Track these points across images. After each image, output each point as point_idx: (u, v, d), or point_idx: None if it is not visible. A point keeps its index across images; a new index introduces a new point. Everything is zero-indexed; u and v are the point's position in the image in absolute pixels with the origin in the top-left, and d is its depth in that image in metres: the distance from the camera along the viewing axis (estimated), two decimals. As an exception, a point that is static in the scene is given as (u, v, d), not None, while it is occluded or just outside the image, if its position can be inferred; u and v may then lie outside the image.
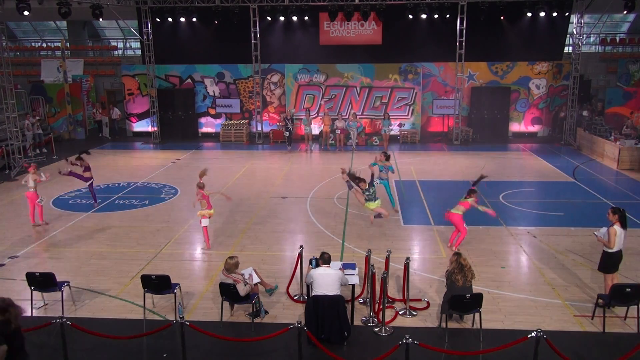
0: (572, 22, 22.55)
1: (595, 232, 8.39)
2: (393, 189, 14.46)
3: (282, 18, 22.42)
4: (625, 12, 20.01)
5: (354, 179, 10.98)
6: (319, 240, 11.18)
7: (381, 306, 7.76)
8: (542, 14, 21.67)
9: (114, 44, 29.97)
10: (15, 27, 30.91)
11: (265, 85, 24.16)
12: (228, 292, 7.81)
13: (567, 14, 22.30)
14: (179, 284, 8.31)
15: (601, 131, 19.97)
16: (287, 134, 21.39)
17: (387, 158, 13.19)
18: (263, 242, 11.29)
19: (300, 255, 8.67)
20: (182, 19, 22.68)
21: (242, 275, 7.98)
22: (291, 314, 8.20)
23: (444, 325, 7.62)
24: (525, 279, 9.40)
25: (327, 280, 7.34)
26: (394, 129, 22.41)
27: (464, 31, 21.61)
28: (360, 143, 22.00)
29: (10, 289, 9.12)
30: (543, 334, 6.08)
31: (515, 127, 23.86)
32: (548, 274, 9.53)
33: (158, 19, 23.04)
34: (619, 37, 27.78)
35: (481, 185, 15.54)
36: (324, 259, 7.62)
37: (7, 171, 17.54)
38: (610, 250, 8.13)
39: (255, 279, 8.18)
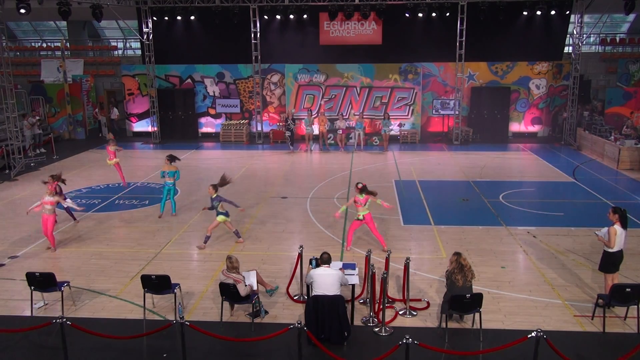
0: (572, 22, 22.54)
1: (597, 232, 8.38)
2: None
3: (282, 18, 22.41)
4: (625, 13, 19.95)
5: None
6: (319, 240, 11.18)
7: (381, 306, 7.75)
8: (542, 13, 21.66)
9: (114, 44, 29.94)
10: (15, 27, 30.89)
11: (265, 85, 24.15)
12: (228, 292, 7.80)
13: (567, 13, 22.29)
14: (179, 284, 8.31)
15: (601, 131, 19.98)
16: (288, 134, 21.38)
17: (172, 160, 12.64)
18: (263, 242, 11.28)
19: (300, 256, 8.66)
20: (182, 19, 22.67)
21: (243, 276, 7.97)
22: (291, 314, 8.19)
23: (444, 325, 7.61)
24: (525, 279, 9.38)
25: (327, 281, 7.34)
26: (394, 129, 22.41)
27: (464, 31, 21.61)
28: (359, 143, 21.97)
29: (10, 289, 9.13)
30: (543, 334, 6.08)
31: (515, 127, 23.86)
32: (548, 274, 9.52)
33: (158, 19, 23.04)
34: (619, 37, 27.76)
35: (482, 185, 15.68)
36: (323, 259, 7.61)
37: (7, 171, 17.53)
38: (610, 250, 8.12)
39: (255, 287, 8.15)
